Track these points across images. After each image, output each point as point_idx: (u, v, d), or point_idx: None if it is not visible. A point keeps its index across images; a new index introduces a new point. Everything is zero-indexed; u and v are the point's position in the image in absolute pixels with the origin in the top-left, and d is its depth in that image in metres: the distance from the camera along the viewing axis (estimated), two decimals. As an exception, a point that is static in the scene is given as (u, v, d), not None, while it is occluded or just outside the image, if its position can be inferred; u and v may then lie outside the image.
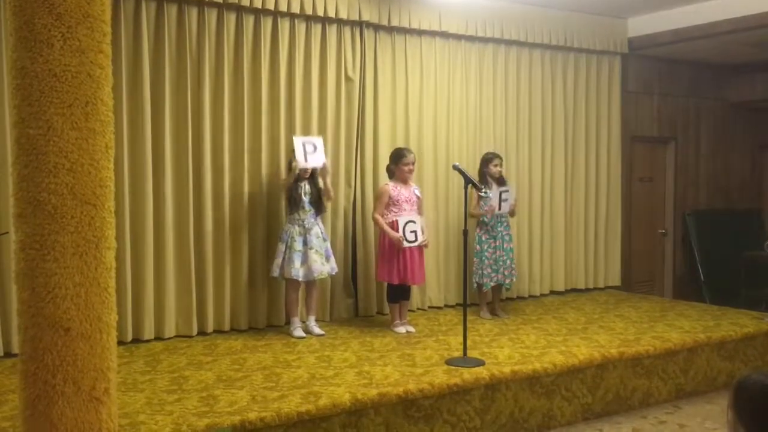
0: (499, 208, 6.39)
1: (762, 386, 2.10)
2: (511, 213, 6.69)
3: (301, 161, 5.64)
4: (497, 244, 6.53)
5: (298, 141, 5.66)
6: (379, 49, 6.66)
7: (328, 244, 5.98)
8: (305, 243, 5.78)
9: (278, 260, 5.81)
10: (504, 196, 6.40)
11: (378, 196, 6.11)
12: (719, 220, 9.09)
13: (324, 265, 5.86)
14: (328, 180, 5.93)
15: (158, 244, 5.70)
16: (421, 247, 6.07)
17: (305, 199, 5.80)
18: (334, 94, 6.44)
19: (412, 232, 5.91)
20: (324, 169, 5.86)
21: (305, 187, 5.83)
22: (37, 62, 2.79)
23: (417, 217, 6.03)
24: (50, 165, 2.81)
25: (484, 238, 6.54)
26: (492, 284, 6.57)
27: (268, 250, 6.08)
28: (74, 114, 2.84)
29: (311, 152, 5.65)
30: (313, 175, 5.90)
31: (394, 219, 5.94)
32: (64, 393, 2.85)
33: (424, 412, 4.47)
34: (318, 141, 5.78)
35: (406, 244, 5.89)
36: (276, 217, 6.15)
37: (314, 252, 5.79)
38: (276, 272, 5.83)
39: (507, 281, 6.61)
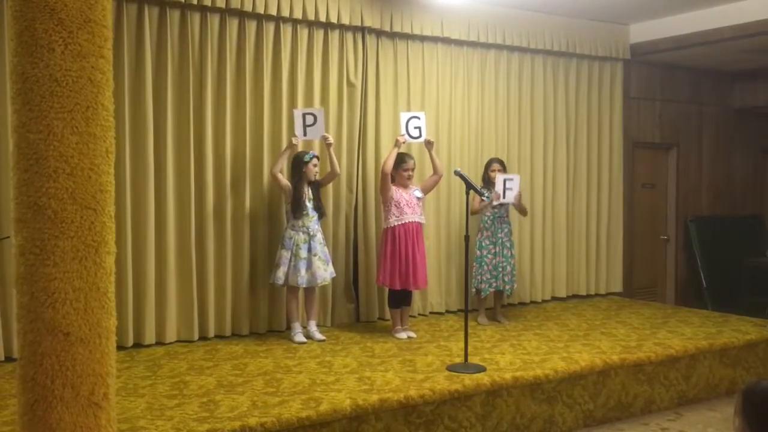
0: (504, 196, 6.30)
1: None
2: (521, 210, 6.66)
3: (299, 134, 5.49)
4: (497, 250, 6.51)
5: (298, 113, 5.42)
6: (381, 54, 6.67)
7: (326, 249, 5.99)
8: (309, 250, 5.78)
9: (283, 268, 5.77)
10: (509, 184, 6.30)
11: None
12: (721, 226, 9.08)
13: (325, 271, 5.88)
14: (332, 152, 5.86)
15: (159, 248, 5.70)
16: (423, 251, 6.05)
17: (309, 205, 5.80)
18: (336, 100, 6.45)
19: (416, 128, 5.83)
20: (326, 141, 5.77)
21: (309, 192, 5.84)
22: (38, 67, 2.79)
23: (421, 113, 5.98)
24: (50, 169, 2.81)
25: (484, 244, 6.53)
26: (490, 290, 6.55)
27: (269, 255, 6.07)
28: (75, 119, 2.83)
29: (310, 124, 5.48)
30: (315, 180, 5.92)
31: (395, 224, 5.94)
32: (63, 398, 2.84)
33: (425, 418, 4.46)
34: (319, 112, 5.62)
35: (409, 140, 5.87)
36: (277, 222, 6.14)
37: (318, 258, 5.80)
38: (281, 280, 5.79)
39: (507, 287, 6.58)
